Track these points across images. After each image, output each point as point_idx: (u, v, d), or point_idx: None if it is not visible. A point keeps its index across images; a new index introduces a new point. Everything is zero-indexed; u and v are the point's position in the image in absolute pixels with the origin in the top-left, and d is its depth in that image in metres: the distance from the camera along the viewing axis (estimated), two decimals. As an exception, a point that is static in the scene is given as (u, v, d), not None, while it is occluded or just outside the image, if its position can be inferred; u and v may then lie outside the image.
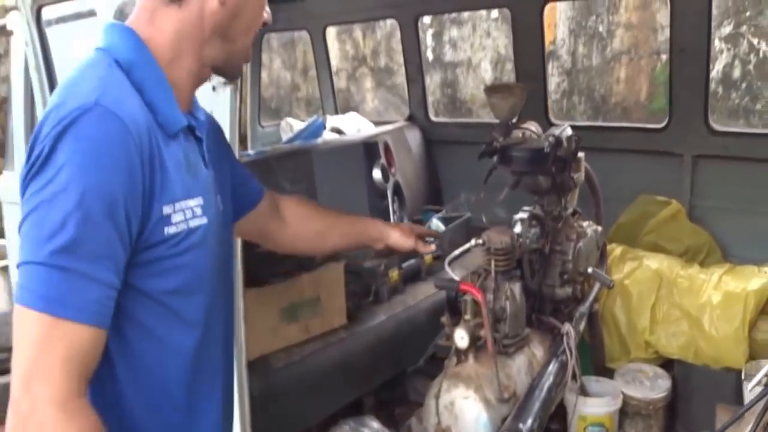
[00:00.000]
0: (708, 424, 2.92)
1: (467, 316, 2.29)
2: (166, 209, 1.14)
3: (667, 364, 3.14)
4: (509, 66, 5.80)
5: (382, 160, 3.01)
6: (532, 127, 2.82)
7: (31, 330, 1.02)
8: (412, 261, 3.15)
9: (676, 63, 3.11)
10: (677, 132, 3.24)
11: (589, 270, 2.58)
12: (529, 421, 2.23)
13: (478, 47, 5.89)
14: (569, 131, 2.76)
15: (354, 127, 4.18)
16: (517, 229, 2.68)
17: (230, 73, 1.32)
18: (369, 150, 3.00)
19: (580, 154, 2.76)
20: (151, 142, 1.11)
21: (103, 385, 1.16)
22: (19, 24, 2.91)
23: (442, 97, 6.05)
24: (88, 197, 1.02)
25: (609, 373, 3.10)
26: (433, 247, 2.00)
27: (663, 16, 4.96)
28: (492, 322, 2.21)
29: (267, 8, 1.30)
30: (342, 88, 6.41)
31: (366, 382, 2.82)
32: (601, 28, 5.22)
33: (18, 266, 1.05)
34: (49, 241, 1.01)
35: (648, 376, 3.16)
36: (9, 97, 3.28)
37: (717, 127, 3.22)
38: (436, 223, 3.52)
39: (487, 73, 5.90)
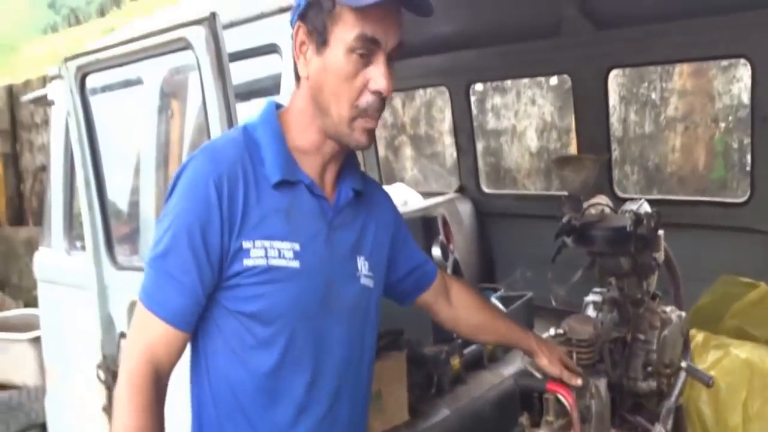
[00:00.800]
0: None
1: (550, 417, 2.05)
2: (246, 244, 1.34)
3: (762, 465, 2.81)
4: (554, 134, 5.63)
5: (441, 237, 2.80)
6: (603, 201, 2.61)
7: (135, 316, 1.38)
8: (473, 347, 2.90)
9: (758, 132, 2.89)
10: (761, 206, 2.98)
11: (683, 365, 2.31)
12: None
13: (523, 114, 5.74)
14: (647, 207, 2.54)
15: (401, 198, 4.00)
16: (591, 313, 2.46)
17: (345, 143, 1.40)
18: (427, 225, 2.79)
19: (660, 232, 2.53)
20: (246, 187, 1.34)
21: (196, 383, 1.44)
22: (62, 93, 2.82)
23: (485, 165, 5.88)
24: (175, 223, 1.33)
25: (698, 476, 2.76)
26: (580, 381, 1.91)
27: (720, 83, 4.77)
28: (578, 423, 1.97)
29: (377, 75, 1.33)
30: (381, 157, 6.29)
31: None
32: (654, 96, 5.03)
33: None
34: (154, 249, 1.35)
35: (741, 478, 2.82)
36: (48, 168, 3.16)
37: (805, 200, 2.96)
38: (494, 303, 3.27)
39: (532, 141, 5.73)
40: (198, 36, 1.72)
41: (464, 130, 3.91)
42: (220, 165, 1.34)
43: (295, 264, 1.37)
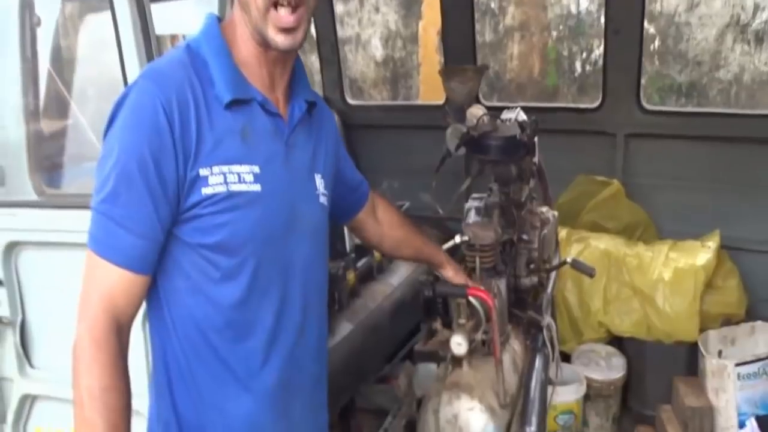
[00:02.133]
0: (664, 397, 3.02)
1: (462, 320, 2.15)
2: (203, 171, 1.24)
3: (615, 342, 3.22)
4: (399, 43, 5.66)
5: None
6: (482, 110, 2.70)
7: (85, 266, 1.24)
8: (364, 260, 2.93)
9: (610, 44, 3.12)
10: (611, 112, 3.27)
11: (568, 260, 2.52)
12: (535, 423, 2.16)
13: (367, 23, 5.67)
14: (523, 115, 2.67)
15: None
16: (473, 218, 2.58)
17: (272, 46, 1.29)
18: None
19: (535, 138, 2.69)
20: (197, 111, 1.24)
21: (156, 328, 1.35)
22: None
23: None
24: (123, 156, 1.20)
25: (562, 357, 3.10)
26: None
27: (553, -6, 5.05)
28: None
29: None
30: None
31: (336, 400, 2.57)
32: (493, 5, 5.21)
33: None
34: (99, 192, 1.23)
35: (602, 356, 3.22)
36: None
37: (648, 106, 3.28)
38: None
39: (377, 50, 5.71)
40: None
41: (327, 40, 3.80)
42: (167, 88, 1.22)
43: (257, 187, 1.29)
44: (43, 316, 2.24)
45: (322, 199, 1.47)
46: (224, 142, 1.27)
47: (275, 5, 1.24)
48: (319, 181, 1.47)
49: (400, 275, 3.10)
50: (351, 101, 3.99)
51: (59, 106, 2.47)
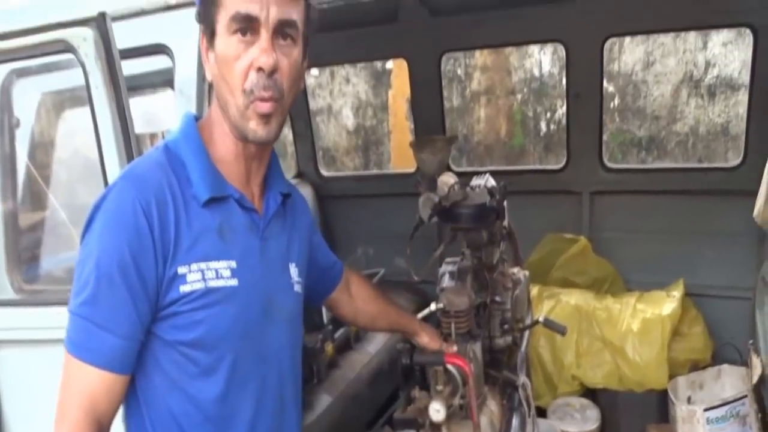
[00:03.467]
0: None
1: (439, 387, 2.20)
2: (181, 269, 1.26)
3: (588, 394, 3.27)
4: (370, 111, 5.84)
5: (306, 228, 2.81)
6: (452, 179, 2.80)
7: (63, 370, 1.24)
8: (342, 330, 2.98)
9: (572, 107, 3.28)
10: (575, 171, 3.41)
11: (540, 319, 2.58)
12: (514, 485, 2.18)
13: (338, 94, 5.86)
14: (492, 180, 2.78)
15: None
16: (447, 282, 2.65)
17: (249, 138, 1.30)
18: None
19: (505, 203, 2.79)
20: (176, 210, 1.27)
21: (135, 427, 1.34)
22: None
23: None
24: (103, 258, 1.21)
25: (538, 412, 3.14)
26: (455, 347, 2.06)
27: (515, 59, 5.28)
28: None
29: (256, 51, 1.24)
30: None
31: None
32: (459, 71, 5.42)
33: None
34: (78, 295, 1.23)
35: (576, 408, 3.26)
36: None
37: (611, 164, 3.43)
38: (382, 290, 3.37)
39: (348, 120, 5.89)
40: (84, 39, 1.52)
41: (301, 116, 3.93)
42: (146, 190, 1.25)
43: (234, 282, 1.31)
44: (20, 415, 2.23)
45: (297, 288, 1.49)
46: (202, 240, 1.29)
47: (254, 101, 1.27)
48: (294, 270, 1.49)
49: (377, 343, 3.14)
50: (325, 173, 4.10)
51: (36, 199, 2.52)
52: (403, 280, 2.94)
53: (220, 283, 1.30)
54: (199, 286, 1.27)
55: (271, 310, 1.40)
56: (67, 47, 1.57)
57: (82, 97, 1.71)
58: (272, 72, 1.24)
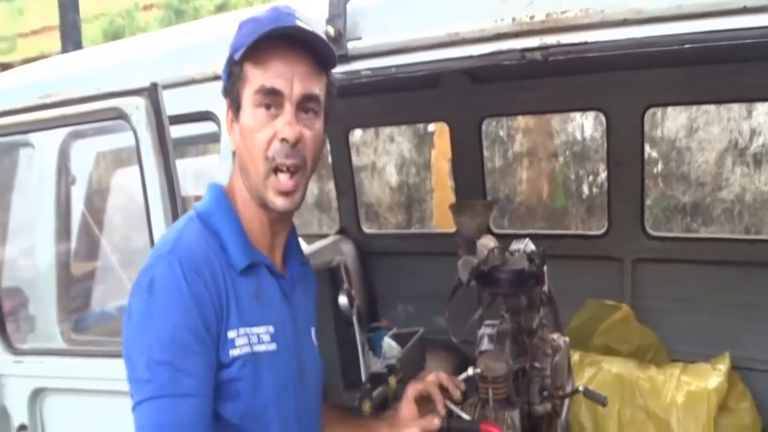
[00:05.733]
0: None
1: (477, 457, 2.17)
2: (231, 333, 1.29)
3: (632, 467, 3.17)
4: (413, 169, 5.93)
5: (346, 285, 2.85)
6: (492, 242, 2.81)
7: None
8: (380, 389, 2.97)
9: (614, 174, 3.29)
10: (616, 237, 3.39)
11: (580, 388, 2.54)
12: None
13: (382, 151, 5.98)
14: (532, 245, 2.79)
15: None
16: (486, 345, 2.64)
17: (270, 208, 1.35)
18: (332, 274, 2.84)
19: (545, 268, 2.78)
20: (224, 277, 1.30)
21: None
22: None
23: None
24: (174, 334, 1.22)
25: (582, 485, 3.05)
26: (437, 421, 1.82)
27: (557, 122, 5.33)
28: (495, 455, 2.11)
29: (281, 124, 1.30)
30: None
31: None
32: (501, 133, 5.49)
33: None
34: (151, 382, 1.22)
35: (620, 482, 3.16)
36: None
37: (653, 232, 3.40)
38: (388, 342, 3.37)
39: (392, 177, 5.98)
40: (136, 107, 1.64)
41: (344, 174, 4.01)
42: (197, 260, 1.29)
43: (273, 347, 1.36)
44: None
45: (318, 350, 1.56)
46: (243, 306, 1.33)
47: (275, 170, 1.32)
48: (313, 333, 1.56)
49: (415, 404, 3.14)
50: (367, 230, 4.16)
51: (88, 250, 2.64)
52: (442, 339, 2.95)
53: (263, 347, 1.34)
54: (246, 350, 1.31)
55: (303, 375, 1.45)
56: (120, 114, 1.69)
57: (132, 157, 1.83)
58: (296, 143, 1.30)
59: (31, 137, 2.24)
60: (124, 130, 1.76)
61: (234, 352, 1.30)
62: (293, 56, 1.30)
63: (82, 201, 2.39)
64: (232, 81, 1.34)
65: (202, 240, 1.33)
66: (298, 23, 1.30)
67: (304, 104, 1.32)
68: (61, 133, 2.19)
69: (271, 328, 1.36)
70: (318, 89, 1.34)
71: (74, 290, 2.48)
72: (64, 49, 4.88)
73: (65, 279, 2.34)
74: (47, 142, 2.20)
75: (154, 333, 1.23)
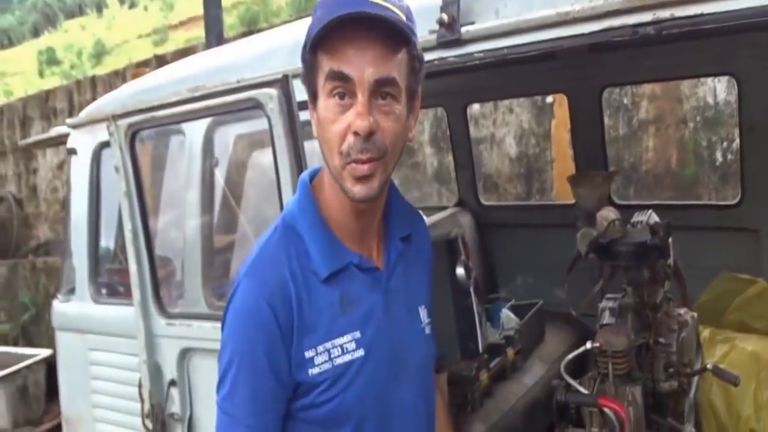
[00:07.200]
0: None
1: (594, 429, 2.19)
2: (309, 353, 1.30)
3: (769, 451, 3.02)
4: (533, 140, 5.84)
5: (463, 257, 2.91)
6: (612, 214, 2.75)
7: None
8: (497, 359, 3.01)
9: (746, 141, 3.11)
10: (750, 208, 3.21)
11: (709, 366, 2.46)
12: None
13: (501, 123, 5.93)
14: (655, 217, 2.70)
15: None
16: (608, 319, 2.60)
17: (349, 196, 1.30)
18: (450, 246, 2.90)
19: (669, 240, 2.69)
20: (298, 293, 1.30)
21: None
22: (88, 144, 2.84)
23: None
24: (237, 359, 1.29)
25: (711, 466, 2.95)
26: None
27: (687, 86, 5.04)
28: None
29: (352, 115, 1.24)
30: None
31: None
32: (626, 100, 5.28)
33: None
34: (219, 390, 1.33)
35: (755, 466, 3.02)
36: (68, 217, 3.15)
37: (791, 200, 3.20)
38: (506, 314, 3.40)
39: (511, 148, 5.92)
40: (270, 98, 1.78)
41: (462, 147, 4.06)
42: (268, 283, 1.30)
43: (360, 353, 1.34)
44: (208, 414, 2.48)
45: (428, 330, 1.49)
46: (324, 317, 1.32)
47: (350, 163, 1.27)
48: (423, 312, 1.49)
49: (534, 375, 3.13)
50: (485, 202, 4.18)
51: (228, 223, 2.87)
52: (562, 311, 2.94)
53: (347, 358, 1.33)
54: (327, 366, 1.31)
55: (402, 367, 1.41)
56: (256, 104, 1.85)
57: (265, 139, 1.99)
58: (369, 135, 1.23)
59: (183, 125, 2.48)
60: (258, 117, 1.91)
61: (313, 371, 1.31)
62: (363, 40, 1.21)
63: (222, 180, 2.62)
64: (308, 69, 1.30)
65: (277, 253, 1.34)
66: (369, 3, 1.21)
67: (380, 90, 1.24)
68: (206, 120, 2.41)
69: (357, 334, 1.34)
70: (395, 71, 1.25)
71: (216, 260, 2.73)
72: (208, 40, 5.30)
73: (209, 250, 2.59)
74: (195, 130, 2.44)
75: (227, 351, 1.32)
